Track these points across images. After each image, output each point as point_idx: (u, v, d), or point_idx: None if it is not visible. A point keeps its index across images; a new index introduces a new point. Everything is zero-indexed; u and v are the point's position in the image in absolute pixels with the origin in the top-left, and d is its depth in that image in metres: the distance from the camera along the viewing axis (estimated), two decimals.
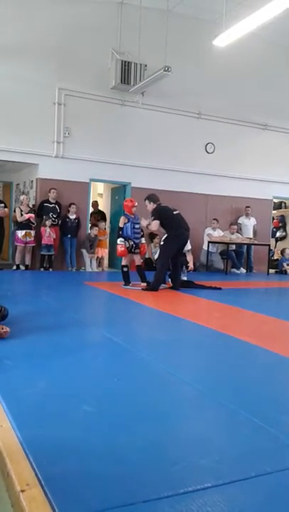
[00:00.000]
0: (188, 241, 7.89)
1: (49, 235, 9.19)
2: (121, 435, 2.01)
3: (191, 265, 7.99)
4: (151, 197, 7.25)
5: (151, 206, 7.13)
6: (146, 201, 7.23)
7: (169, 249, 7.02)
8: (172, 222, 7.00)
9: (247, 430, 2.12)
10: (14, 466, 1.72)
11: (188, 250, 7.95)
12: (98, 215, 11.19)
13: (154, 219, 6.95)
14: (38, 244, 9.36)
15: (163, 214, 6.99)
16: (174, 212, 7.12)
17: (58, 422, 2.11)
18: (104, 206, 12.24)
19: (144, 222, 7.14)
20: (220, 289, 7.31)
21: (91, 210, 11.16)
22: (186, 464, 1.78)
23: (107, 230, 10.68)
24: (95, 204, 11.72)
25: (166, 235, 7.10)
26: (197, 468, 1.76)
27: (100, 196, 13.02)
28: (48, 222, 9.17)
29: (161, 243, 7.23)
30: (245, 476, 1.71)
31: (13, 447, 1.86)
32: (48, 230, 9.17)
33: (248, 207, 11.40)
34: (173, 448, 1.93)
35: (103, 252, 10.29)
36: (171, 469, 1.73)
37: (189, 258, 8.04)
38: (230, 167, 11.20)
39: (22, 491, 1.56)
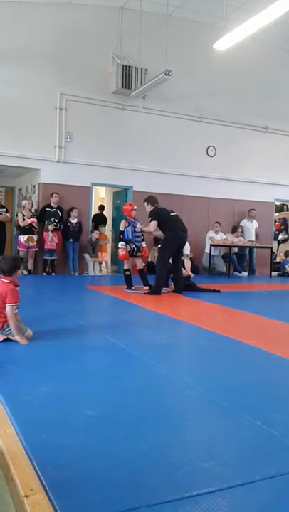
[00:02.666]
0: (189, 247, 7.89)
1: (51, 239, 9.20)
2: (124, 439, 2.01)
3: (188, 272, 7.92)
4: (150, 199, 7.33)
5: (149, 208, 7.22)
6: (145, 203, 7.32)
7: (167, 251, 7.06)
8: (169, 223, 7.05)
9: (250, 433, 2.12)
10: (18, 472, 1.72)
11: (186, 255, 7.92)
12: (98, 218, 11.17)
13: (151, 220, 7.02)
14: (40, 249, 9.37)
15: (160, 215, 7.06)
16: (171, 214, 7.18)
17: (62, 427, 2.11)
18: (106, 210, 12.26)
19: (139, 227, 7.19)
20: (219, 291, 7.34)
21: (96, 212, 11.18)
22: (190, 467, 1.78)
23: (108, 234, 10.68)
24: (101, 207, 11.72)
25: (163, 238, 7.15)
26: (201, 472, 1.75)
27: (102, 200, 13.03)
28: (51, 227, 9.18)
29: (159, 246, 7.26)
30: (249, 480, 1.70)
31: (16, 452, 1.86)
32: (50, 234, 9.18)
33: (253, 209, 11.38)
34: (177, 452, 1.92)
35: (104, 257, 10.25)
36: (175, 473, 1.73)
37: (187, 265, 7.97)
38: (232, 170, 11.20)
39: (26, 496, 1.56)
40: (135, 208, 7.31)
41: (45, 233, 9.23)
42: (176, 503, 1.54)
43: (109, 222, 11.43)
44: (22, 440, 1.95)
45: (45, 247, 9.24)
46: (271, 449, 1.97)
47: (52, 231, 9.20)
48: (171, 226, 7.03)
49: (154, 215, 7.05)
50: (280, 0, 6.07)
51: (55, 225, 9.29)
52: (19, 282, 3.80)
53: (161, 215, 7.07)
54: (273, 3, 6.18)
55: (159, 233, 7.22)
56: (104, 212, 11.62)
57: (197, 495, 1.59)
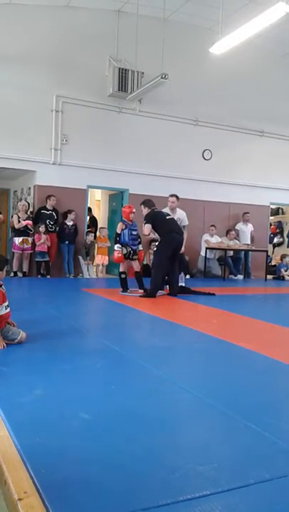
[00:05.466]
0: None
1: (43, 241, 9.16)
2: (119, 443, 2.00)
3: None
4: (147, 202, 7.39)
5: (146, 211, 7.27)
6: (142, 206, 7.39)
7: (163, 254, 7.09)
8: (164, 226, 7.09)
9: (245, 437, 2.12)
10: (12, 474, 1.71)
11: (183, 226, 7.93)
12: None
13: (146, 223, 7.06)
14: (35, 251, 9.34)
15: (155, 218, 7.10)
16: (167, 218, 7.20)
17: (56, 430, 2.10)
18: (102, 212, 12.25)
19: (119, 228, 7.19)
20: (214, 294, 7.34)
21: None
22: (185, 471, 1.77)
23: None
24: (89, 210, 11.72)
25: (159, 241, 7.18)
26: (196, 475, 1.75)
27: (98, 202, 13.04)
28: (42, 229, 9.15)
29: (155, 249, 7.30)
30: (244, 483, 1.70)
31: (10, 455, 1.85)
32: (42, 236, 9.15)
33: (247, 213, 11.41)
34: (172, 455, 1.92)
35: (104, 260, 10.17)
36: (170, 477, 1.72)
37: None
38: (228, 173, 11.23)
39: (20, 499, 1.55)
40: (134, 210, 7.32)
41: (36, 235, 9.20)
42: (171, 507, 1.53)
43: (105, 225, 11.41)
44: (16, 443, 1.94)
45: (37, 249, 9.22)
46: (266, 453, 1.96)
47: (45, 233, 9.17)
48: (166, 229, 7.07)
49: (149, 218, 7.10)
50: (277, 4, 6.11)
51: (49, 228, 9.26)
52: (15, 285, 3.79)
53: (156, 219, 7.10)
54: (270, 7, 6.22)
55: (155, 235, 7.25)
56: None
57: (192, 498, 1.58)
